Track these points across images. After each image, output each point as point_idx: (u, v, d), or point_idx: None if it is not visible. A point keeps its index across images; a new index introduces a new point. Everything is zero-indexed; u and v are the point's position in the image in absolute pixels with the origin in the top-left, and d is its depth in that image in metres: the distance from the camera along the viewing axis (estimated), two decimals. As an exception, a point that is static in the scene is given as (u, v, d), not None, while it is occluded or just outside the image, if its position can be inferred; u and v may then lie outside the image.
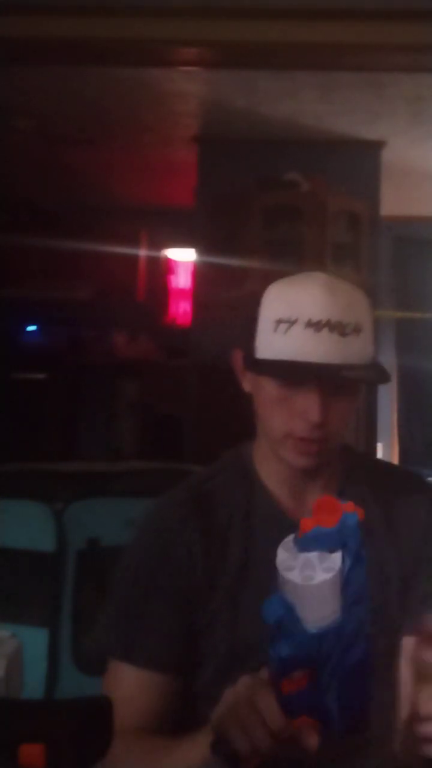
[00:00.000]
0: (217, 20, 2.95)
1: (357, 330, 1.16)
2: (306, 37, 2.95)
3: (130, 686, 1.19)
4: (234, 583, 1.20)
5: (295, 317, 1.15)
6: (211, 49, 3.17)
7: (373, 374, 1.21)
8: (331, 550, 0.93)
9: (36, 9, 2.94)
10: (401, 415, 6.05)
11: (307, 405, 1.16)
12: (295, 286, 1.19)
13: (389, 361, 5.71)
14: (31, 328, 6.41)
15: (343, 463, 1.28)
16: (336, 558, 0.92)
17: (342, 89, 4.09)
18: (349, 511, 0.94)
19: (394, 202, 5.04)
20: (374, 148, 4.77)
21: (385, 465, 1.49)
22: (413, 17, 2.87)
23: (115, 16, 2.94)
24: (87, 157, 5.23)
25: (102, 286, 6.19)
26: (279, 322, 1.16)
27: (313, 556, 0.92)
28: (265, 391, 1.20)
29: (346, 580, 0.93)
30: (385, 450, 5.80)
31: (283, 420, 1.19)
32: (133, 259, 6.30)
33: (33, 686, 2.49)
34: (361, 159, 4.75)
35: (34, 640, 2.60)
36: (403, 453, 5.99)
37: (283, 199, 4.55)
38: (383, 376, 1.21)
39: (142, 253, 6.33)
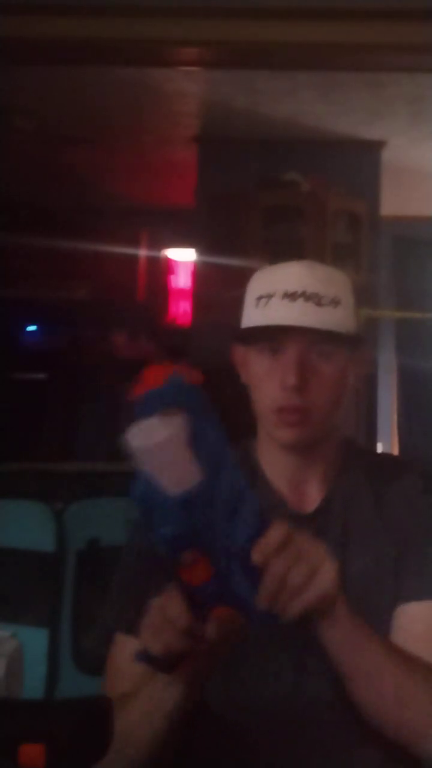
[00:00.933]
0: (217, 20, 2.95)
1: (335, 302, 1.21)
2: (306, 37, 2.95)
3: (131, 656, 1.21)
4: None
5: (273, 291, 1.21)
6: (211, 49, 3.17)
7: (348, 339, 1.24)
8: (172, 413, 0.92)
9: (36, 9, 2.94)
10: (401, 415, 6.05)
11: (285, 369, 1.20)
12: (275, 268, 1.26)
13: (389, 361, 5.71)
14: (31, 328, 6.41)
15: (342, 454, 1.30)
16: (175, 416, 0.92)
17: (342, 89, 4.09)
18: (179, 373, 0.95)
19: (394, 202, 5.04)
20: (374, 148, 4.77)
21: (383, 456, 1.51)
22: (413, 17, 2.87)
23: (115, 16, 2.94)
24: (87, 157, 5.23)
25: (102, 286, 6.19)
26: (259, 298, 1.22)
27: (153, 419, 0.92)
28: (251, 368, 1.25)
29: (196, 438, 0.92)
30: (385, 450, 5.80)
31: (267, 392, 1.23)
32: (133, 259, 6.30)
33: (33, 686, 2.49)
34: (361, 159, 4.75)
35: (34, 640, 2.60)
36: (403, 453, 5.99)
37: (283, 199, 4.55)
38: (359, 342, 1.26)
39: (142, 253, 6.33)
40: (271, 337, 1.21)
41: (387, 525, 1.25)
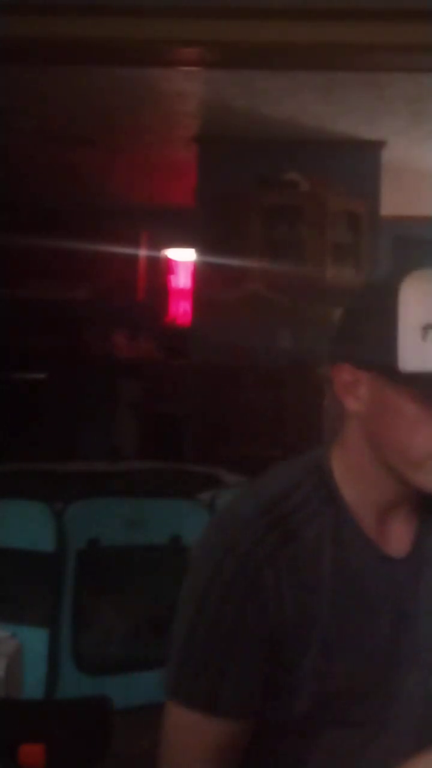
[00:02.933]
0: (217, 20, 2.95)
1: None
2: (306, 37, 2.95)
3: (211, 737, 1.07)
4: (326, 621, 1.08)
5: None
6: (211, 49, 3.17)
7: None
8: None
9: (36, 9, 2.94)
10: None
11: None
12: None
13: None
14: (31, 328, 6.41)
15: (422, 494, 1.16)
16: None
17: (342, 89, 4.09)
18: None
19: (394, 202, 5.05)
20: (374, 148, 4.77)
21: None
22: (413, 17, 2.87)
23: (115, 16, 2.94)
24: (87, 157, 5.23)
25: (102, 286, 6.20)
26: (428, 328, 1.03)
27: None
28: (405, 410, 1.07)
29: None
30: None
31: (429, 439, 1.06)
32: (133, 259, 6.31)
33: (33, 686, 2.49)
34: (361, 159, 4.75)
35: (34, 640, 2.60)
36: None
37: (283, 199, 4.55)
38: None
39: (142, 253, 6.34)
40: None
41: None
